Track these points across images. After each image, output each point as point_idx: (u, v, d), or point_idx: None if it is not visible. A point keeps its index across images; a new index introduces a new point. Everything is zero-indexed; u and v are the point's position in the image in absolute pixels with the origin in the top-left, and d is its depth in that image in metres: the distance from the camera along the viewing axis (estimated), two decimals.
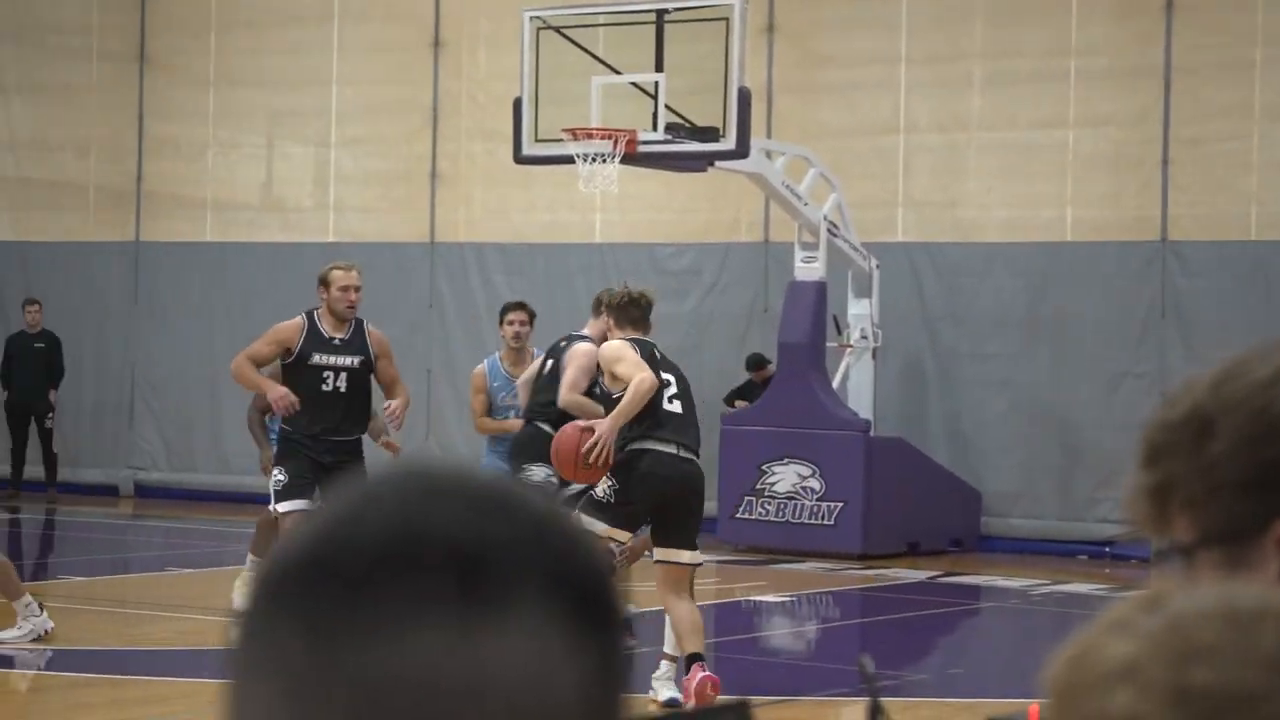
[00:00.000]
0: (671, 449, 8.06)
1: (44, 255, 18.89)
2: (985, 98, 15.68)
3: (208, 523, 15.82)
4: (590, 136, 12.90)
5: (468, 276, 17.42)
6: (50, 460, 17.65)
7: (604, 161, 12.84)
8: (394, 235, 17.72)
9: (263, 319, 16.81)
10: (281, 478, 8.85)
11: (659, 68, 13.17)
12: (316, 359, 9.21)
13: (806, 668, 10.50)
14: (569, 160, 13.03)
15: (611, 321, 8.30)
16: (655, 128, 13.05)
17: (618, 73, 13.39)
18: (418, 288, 17.54)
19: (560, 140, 13.07)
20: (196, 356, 17.54)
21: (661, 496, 7.99)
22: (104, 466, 18.56)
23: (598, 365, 8.34)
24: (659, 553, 8.22)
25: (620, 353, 8.05)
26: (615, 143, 12.80)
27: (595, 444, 7.90)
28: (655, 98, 13.13)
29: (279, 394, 8.82)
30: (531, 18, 13.52)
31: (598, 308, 8.77)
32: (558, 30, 13.45)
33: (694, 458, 8.18)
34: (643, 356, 8.05)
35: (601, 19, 13.75)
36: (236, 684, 0.84)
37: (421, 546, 0.83)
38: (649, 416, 8.00)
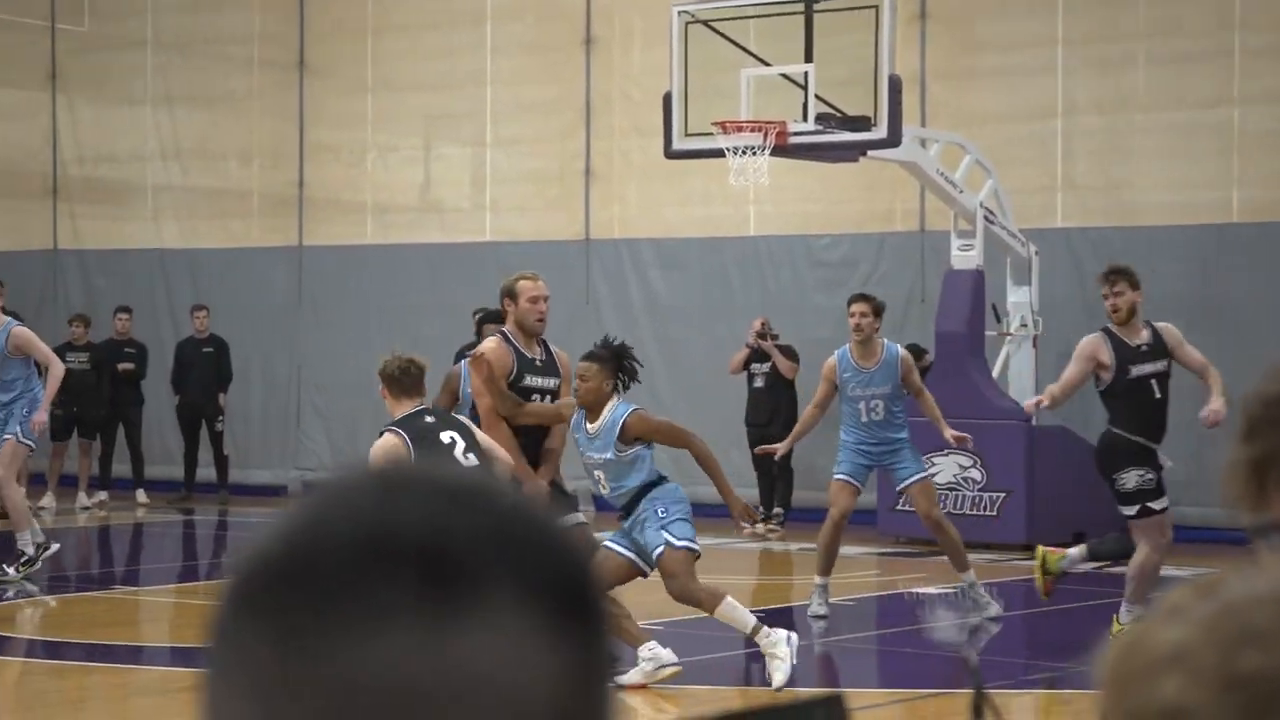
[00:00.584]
0: None
1: (211, 261, 19.32)
2: (1148, 77, 15.34)
3: None
4: (740, 129, 12.86)
5: (623, 273, 17.47)
6: (221, 462, 18.03)
7: (755, 154, 12.80)
8: (549, 233, 17.82)
9: (424, 318, 17.11)
10: None
11: (808, 58, 13.09)
12: (528, 381, 8.72)
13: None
14: (720, 154, 13.01)
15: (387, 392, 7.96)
16: (806, 118, 12.97)
17: (767, 64, 13.34)
18: (574, 285, 17.63)
19: (711, 134, 13.06)
20: (360, 357, 17.73)
21: None
22: (273, 468, 18.92)
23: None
24: None
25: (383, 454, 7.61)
26: (765, 135, 12.75)
27: None
28: (805, 88, 13.05)
29: (538, 488, 8.23)
30: (680, 12, 13.51)
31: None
32: (706, 24, 13.43)
33: None
34: (414, 434, 7.65)
35: (750, 11, 13.71)
36: (209, 688, 0.82)
37: (387, 545, 0.80)
38: None
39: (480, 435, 8.01)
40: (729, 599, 8.44)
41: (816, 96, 13.03)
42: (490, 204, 18.43)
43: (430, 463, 0.85)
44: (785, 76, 13.23)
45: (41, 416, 11.87)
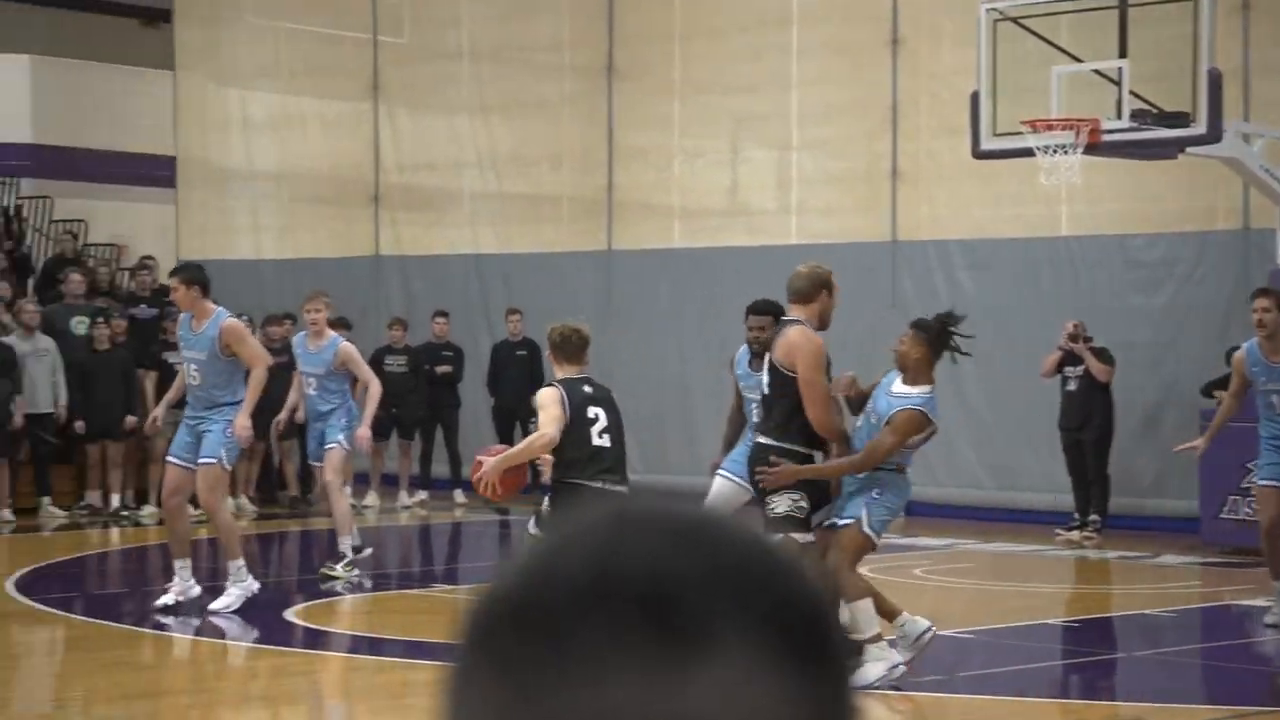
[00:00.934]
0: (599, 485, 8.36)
1: (524, 266, 19.76)
2: None
3: None
4: (1051, 128, 12.59)
5: (930, 274, 17.26)
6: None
7: (1066, 153, 12.51)
8: (855, 235, 17.72)
9: (730, 321, 17.15)
10: (804, 504, 8.40)
11: (1123, 53, 12.74)
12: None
13: None
14: (1029, 153, 12.76)
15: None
16: (1120, 115, 12.63)
17: (1079, 60, 13.03)
18: (880, 287, 17.50)
19: (1020, 133, 12.82)
20: (667, 361, 17.98)
21: None
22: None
23: None
24: None
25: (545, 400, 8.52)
26: (1077, 133, 12.45)
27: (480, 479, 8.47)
28: (1119, 84, 12.70)
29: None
30: (989, 10, 13.29)
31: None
32: (1016, 21, 13.19)
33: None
34: (571, 397, 8.33)
35: (1062, 7, 13.41)
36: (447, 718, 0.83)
37: (618, 585, 0.80)
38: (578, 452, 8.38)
39: (619, 419, 8.57)
40: (869, 601, 8.33)
41: (1131, 92, 12.68)
42: (796, 206, 18.42)
43: (663, 499, 0.84)
44: (1098, 72, 12.91)
45: (364, 432, 12.26)
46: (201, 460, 10.24)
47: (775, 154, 18.63)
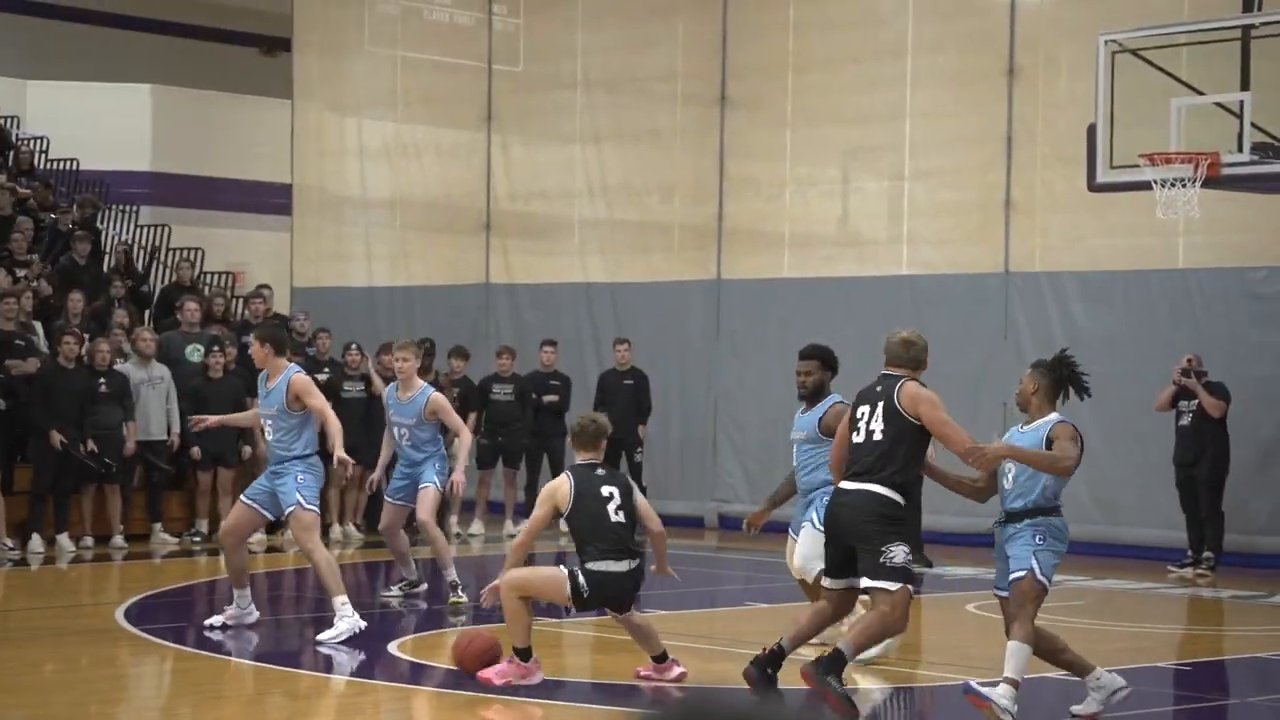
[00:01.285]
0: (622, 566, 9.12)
1: (633, 294, 19.77)
2: None
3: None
4: (1170, 161, 12.39)
5: (1044, 305, 17.04)
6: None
7: (1184, 186, 12.30)
8: (967, 266, 17.55)
9: (840, 351, 16.99)
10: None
11: (1245, 85, 12.52)
12: None
13: None
14: (1146, 186, 12.56)
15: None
16: (1240, 148, 12.40)
17: (1200, 93, 12.81)
18: (992, 319, 17.31)
19: (1137, 165, 12.62)
20: (775, 391, 17.84)
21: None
22: (690, 499, 19.20)
23: None
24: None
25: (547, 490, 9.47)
26: (1196, 166, 12.24)
27: None
28: (1241, 117, 12.47)
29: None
30: (1107, 41, 13.10)
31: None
32: (1134, 53, 12.99)
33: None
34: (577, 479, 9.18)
35: (1182, 38, 13.20)
36: None
37: None
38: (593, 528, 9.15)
39: (637, 496, 9.31)
40: (1030, 649, 8.40)
41: (1253, 125, 12.44)
42: (908, 236, 18.27)
43: (724, 698, 0.81)
44: (1219, 105, 12.68)
45: (459, 477, 12.56)
46: (287, 511, 10.70)
47: (887, 184, 18.50)
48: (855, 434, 8.61)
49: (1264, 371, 15.48)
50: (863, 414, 8.61)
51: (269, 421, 10.79)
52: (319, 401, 10.74)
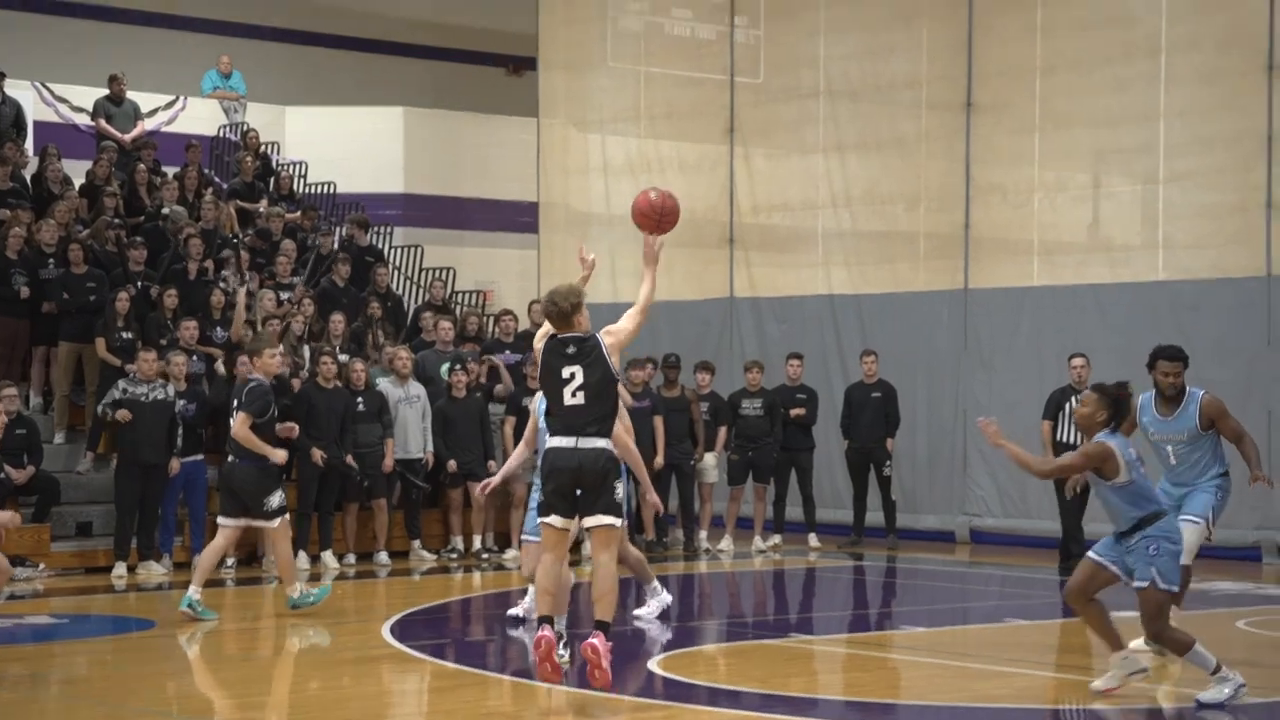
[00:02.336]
0: (570, 441, 9.08)
1: (878, 306, 19.58)
2: None
3: (1044, 570, 15.76)
4: None
5: None
6: (889, 507, 18.21)
7: None
8: (1228, 270, 17.01)
9: (1094, 361, 16.62)
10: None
11: None
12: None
13: None
14: None
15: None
16: None
17: None
18: (1255, 325, 16.74)
19: None
20: (1026, 401, 17.49)
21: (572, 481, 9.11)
22: (940, 513, 18.94)
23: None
24: (585, 521, 9.18)
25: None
26: None
27: None
28: None
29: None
30: None
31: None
32: None
33: (595, 444, 9.08)
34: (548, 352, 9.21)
35: None
36: None
37: None
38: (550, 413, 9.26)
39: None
40: (1198, 644, 8.88)
41: None
42: (1163, 241, 17.78)
43: None
44: None
45: (653, 499, 12.39)
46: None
47: (1140, 187, 18.03)
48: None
49: None
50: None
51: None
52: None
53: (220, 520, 12.47)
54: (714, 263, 21.22)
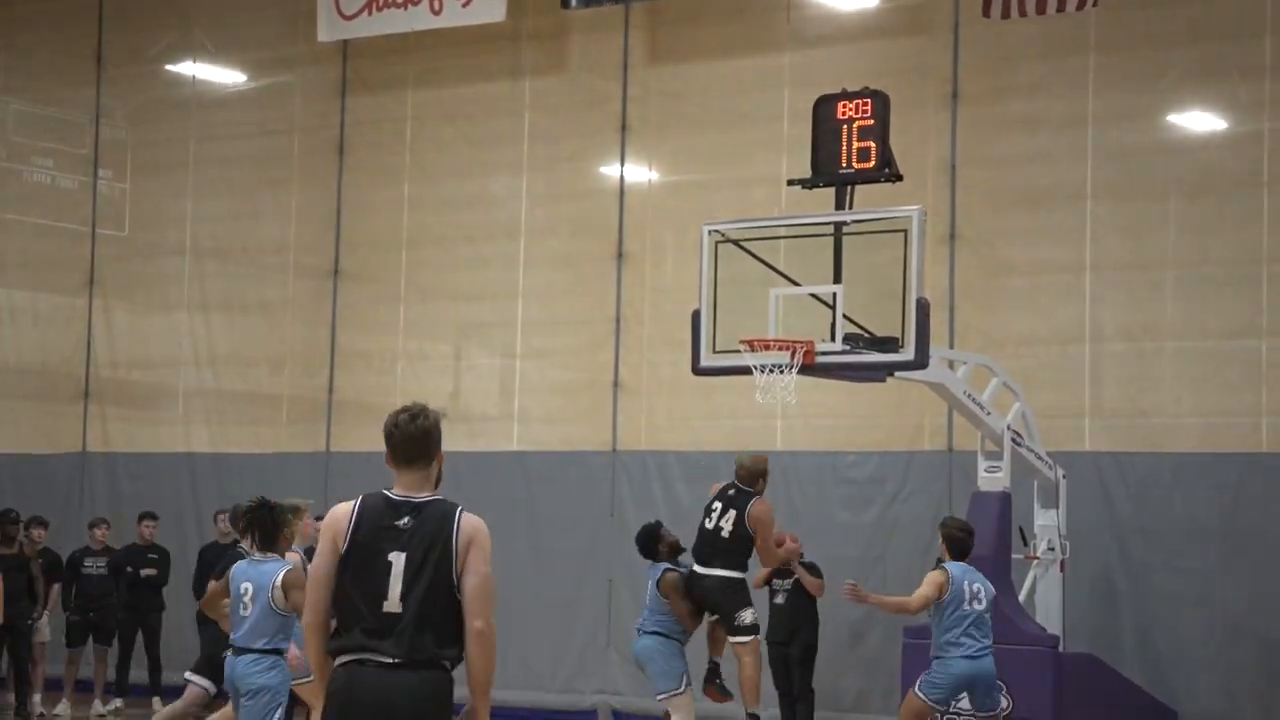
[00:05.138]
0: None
1: (238, 466, 19.32)
2: (1175, 305, 15.39)
3: None
4: (768, 347, 12.88)
5: (649, 483, 17.40)
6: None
7: (782, 372, 12.82)
8: (577, 443, 17.82)
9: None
10: None
11: (837, 278, 13.15)
12: None
13: None
14: (747, 370, 13.03)
15: None
16: (833, 338, 13.00)
17: (796, 284, 13.40)
18: (599, 495, 17.58)
19: (738, 351, 13.09)
20: None
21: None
22: None
23: None
24: None
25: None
26: (793, 354, 12.77)
27: None
28: (834, 308, 13.10)
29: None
30: (710, 231, 13.64)
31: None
32: (736, 243, 13.56)
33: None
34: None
35: (781, 231, 13.83)
36: None
37: None
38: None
39: None
40: None
41: (845, 316, 13.07)
42: (518, 414, 18.47)
43: None
44: (814, 296, 13.29)
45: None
46: None
47: (499, 361, 18.71)
48: None
49: (853, 552, 16.09)
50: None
51: None
52: None
53: None
54: (65, 417, 20.39)
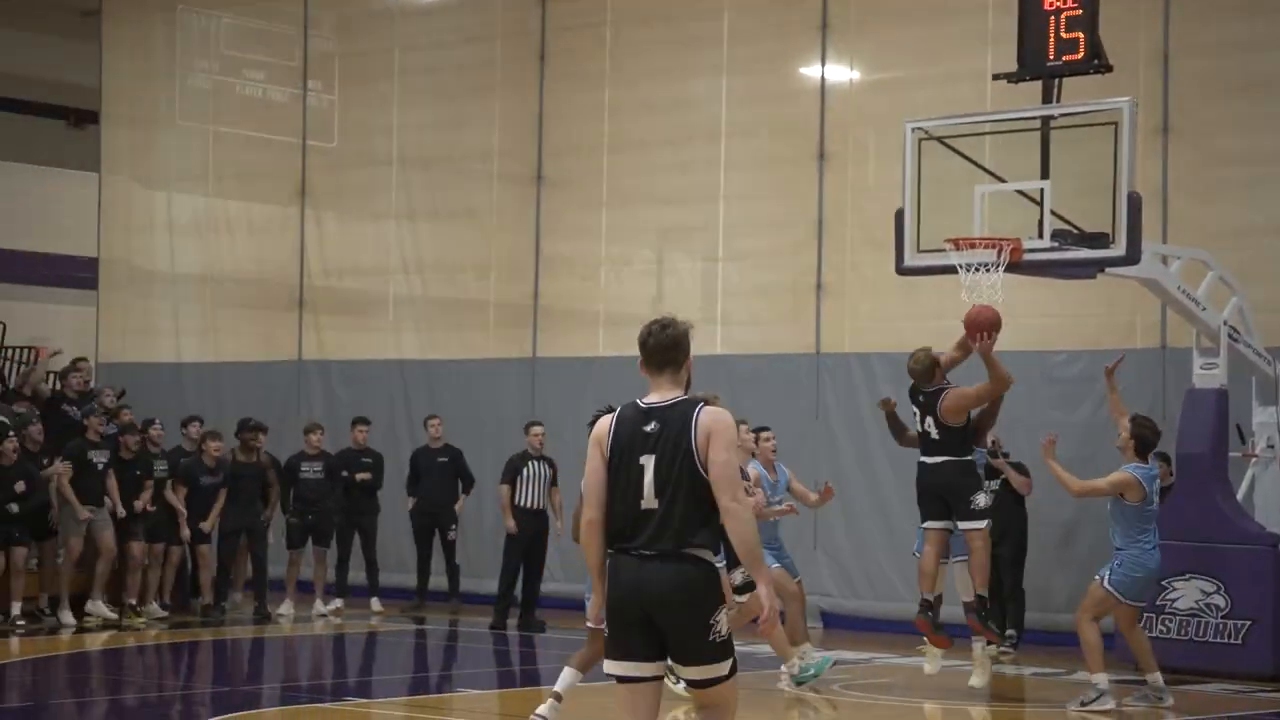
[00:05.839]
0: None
1: (448, 372, 19.66)
2: None
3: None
4: (974, 246, 12.68)
5: (853, 386, 17.32)
6: (453, 572, 18.17)
7: (988, 271, 12.62)
8: (780, 346, 17.79)
9: None
10: None
11: (1044, 174, 12.88)
12: None
13: None
14: (952, 270, 12.85)
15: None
16: (1041, 235, 12.75)
17: (1002, 180, 13.16)
18: (804, 399, 17.55)
19: (943, 250, 12.91)
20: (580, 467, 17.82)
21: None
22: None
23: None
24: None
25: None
26: (1000, 251, 12.55)
27: None
28: (1041, 204, 12.84)
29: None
30: (914, 129, 13.42)
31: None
32: (940, 140, 13.33)
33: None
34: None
35: (985, 127, 13.56)
36: None
37: None
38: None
39: None
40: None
41: (1053, 213, 12.81)
42: (721, 317, 18.48)
43: None
44: (1021, 193, 13.05)
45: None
46: None
47: (701, 265, 18.71)
48: None
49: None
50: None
51: None
52: None
53: None
54: (282, 325, 20.93)
